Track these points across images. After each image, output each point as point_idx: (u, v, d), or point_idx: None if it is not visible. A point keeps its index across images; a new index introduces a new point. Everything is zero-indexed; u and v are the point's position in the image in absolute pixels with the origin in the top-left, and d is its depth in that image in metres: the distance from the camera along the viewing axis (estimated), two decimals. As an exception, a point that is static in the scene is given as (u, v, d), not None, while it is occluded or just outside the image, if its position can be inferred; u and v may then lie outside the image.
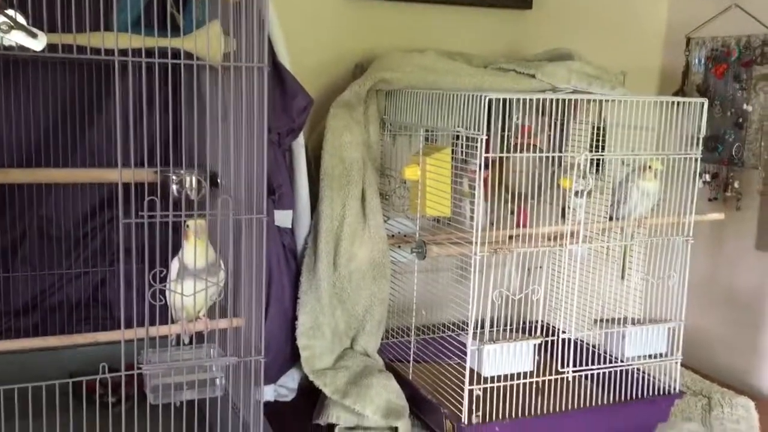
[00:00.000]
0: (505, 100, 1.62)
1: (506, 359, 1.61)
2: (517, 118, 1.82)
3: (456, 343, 1.73)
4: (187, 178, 1.50)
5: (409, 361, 1.89)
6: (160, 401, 1.28)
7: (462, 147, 1.67)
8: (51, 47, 1.19)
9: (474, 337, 1.60)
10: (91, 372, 1.77)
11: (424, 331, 2.02)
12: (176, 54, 1.32)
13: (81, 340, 1.35)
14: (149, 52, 1.27)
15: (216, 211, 1.31)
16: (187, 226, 1.34)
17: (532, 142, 1.85)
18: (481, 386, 1.59)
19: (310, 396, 1.90)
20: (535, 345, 1.64)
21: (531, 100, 1.65)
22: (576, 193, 1.78)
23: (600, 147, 1.93)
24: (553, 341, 1.68)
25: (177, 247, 1.35)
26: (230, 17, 1.35)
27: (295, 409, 1.89)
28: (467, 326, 1.61)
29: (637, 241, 1.76)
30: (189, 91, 1.48)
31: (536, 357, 1.66)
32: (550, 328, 1.76)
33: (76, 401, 1.46)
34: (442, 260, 2.05)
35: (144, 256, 1.42)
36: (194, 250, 1.31)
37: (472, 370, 1.61)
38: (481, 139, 1.55)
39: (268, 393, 1.91)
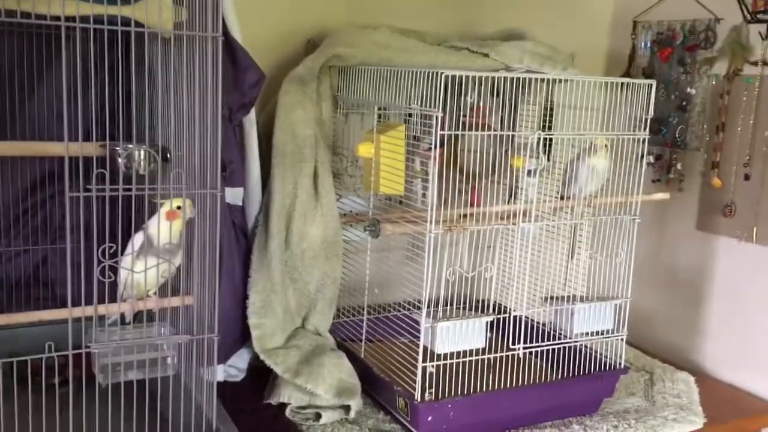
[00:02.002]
0: (458, 79, 1.62)
1: (459, 336, 1.62)
2: (471, 97, 1.83)
3: (409, 321, 1.74)
4: (136, 152, 1.45)
5: (361, 340, 1.89)
6: (109, 381, 1.24)
7: (416, 125, 1.67)
8: (-8, 11, 1.14)
9: (427, 315, 1.60)
10: (33, 353, 1.73)
11: (376, 310, 2.02)
12: (126, 23, 1.27)
13: (24, 319, 1.30)
14: (97, 20, 1.22)
15: (168, 186, 1.27)
16: (178, 207, 1.31)
17: (485, 122, 1.87)
18: (434, 363, 1.60)
19: (260, 376, 1.88)
20: (487, 322, 1.66)
21: (486, 78, 1.65)
22: (528, 173, 1.80)
23: (549, 127, 1.96)
24: (504, 319, 1.69)
25: (126, 223, 1.30)
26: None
27: (245, 390, 1.87)
28: (420, 305, 1.62)
29: (586, 220, 1.79)
30: (138, 62, 1.43)
31: (488, 334, 1.68)
32: (502, 306, 1.78)
33: (19, 383, 1.41)
34: (395, 239, 2.05)
35: (90, 232, 1.37)
36: (170, 229, 1.29)
37: (425, 348, 1.61)
38: (437, 117, 1.55)
39: (218, 373, 1.88)
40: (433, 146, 1.58)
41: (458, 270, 1.61)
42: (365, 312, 1.88)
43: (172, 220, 1.31)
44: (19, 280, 1.79)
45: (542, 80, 1.88)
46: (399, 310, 1.99)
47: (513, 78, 1.71)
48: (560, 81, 1.86)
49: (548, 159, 1.91)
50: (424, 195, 1.97)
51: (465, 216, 1.79)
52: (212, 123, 1.28)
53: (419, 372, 1.60)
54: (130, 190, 1.22)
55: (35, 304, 1.78)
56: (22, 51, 1.68)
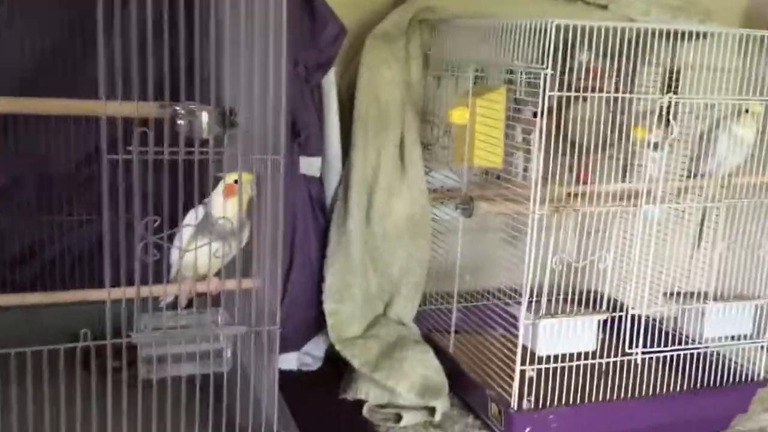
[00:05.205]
0: (567, 34, 1.36)
1: (565, 336, 1.38)
2: (584, 56, 1.58)
3: (504, 315, 1.51)
4: (198, 114, 1.28)
5: (449, 332, 1.68)
6: (154, 375, 1.08)
7: (521, 86, 1.42)
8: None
9: (528, 310, 1.36)
10: (95, 335, 1.61)
11: (466, 299, 1.80)
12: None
13: (66, 298, 1.16)
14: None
15: (222, 149, 1.09)
16: (235, 181, 1.13)
17: (601, 86, 1.60)
18: (535, 367, 1.36)
19: (338, 365, 1.70)
20: (599, 321, 1.41)
21: (604, 33, 1.37)
22: (652, 146, 1.53)
23: (675, 93, 1.66)
24: (619, 317, 1.43)
25: (175, 191, 1.12)
26: None
27: (319, 380, 1.70)
28: (516, 294, 1.40)
29: (724, 203, 1.49)
30: (203, 12, 1.25)
31: (600, 335, 1.42)
32: (616, 301, 1.52)
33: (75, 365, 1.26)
34: (490, 219, 1.81)
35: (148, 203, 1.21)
36: (225, 206, 1.13)
37: (524, 348, 1.38)
38: (545, 75, 1.29)
39: (291, 361, 1.72)
40: (539, 111, 1.33)
41: (566, 258, 1.36)
42: (455, 300, 1.65)
43: (229, 197, 1.13)
44: (83, 252, 1.67)
45: (667, 38, 1.59)
46: (493, 300, 1.76)
47: (634, 35, 1.43)
48: (689, 39, 1.56)
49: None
50: (526, 169, 1.74)
51: (573, 195, 1.53)
52: (276, 77, 1.07)
53: (517, 376, 1.36)
54: (177, 153, 1.04)
55: (99, 278, 1.66)
56: (82, 5, 1.54)
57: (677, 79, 1.69)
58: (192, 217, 1.18)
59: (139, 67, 1.17)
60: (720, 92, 1.48)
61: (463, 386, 1.58)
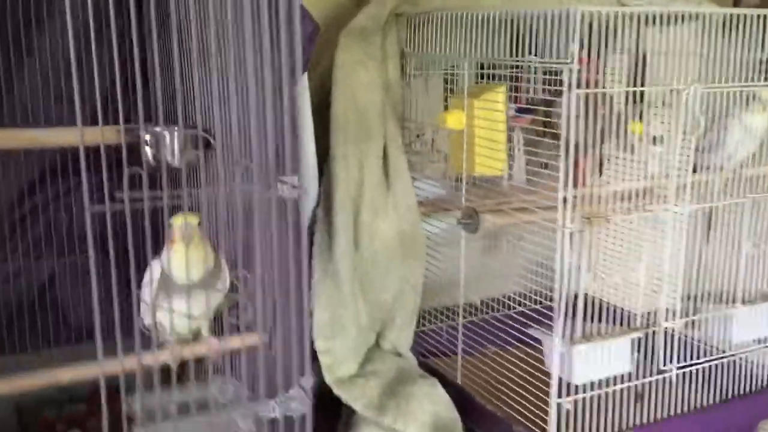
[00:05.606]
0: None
1: (601, 361, 1.24)
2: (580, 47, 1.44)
3: (505, 325, 1.38)
4: (168, 137, 1.06)
5: (448, 356, 1.52)
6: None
7: (533, 83, 1.28)
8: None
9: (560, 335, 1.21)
10: (44, 403, 1.36)
11: (463, 315, 1.64)
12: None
13: (34, 383, 0.91)
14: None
15: (226, 184, 0.88)
16: (170, 225, 0.92)
17: (594, 79, 1.48)
18: (572, 398, 1.22)
19: (325, 407, 1.49)
20: (634, 340, 1.28)
21: (638, 15, 1.23)
22: (654, 140, 1.43)
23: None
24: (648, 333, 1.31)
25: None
26: None
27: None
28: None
29: (749, 198, 1.38)
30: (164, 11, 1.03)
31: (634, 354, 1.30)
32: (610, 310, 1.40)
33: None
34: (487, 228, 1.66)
35: (116, 249, 0.97)
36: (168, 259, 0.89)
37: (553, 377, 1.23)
38: (571, 70, 1.15)
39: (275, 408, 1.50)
40: (564, 112, 1.18)
41: (601, 274, 1.22)
42: (460, 322, 1.48)
43: (171, 246, 0.91)
44: (21, 304, 1.40)
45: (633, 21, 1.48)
46: (491, 312, 1.63)
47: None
48: (657, 23, 1.45)
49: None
50: (510, 167, 1.60)
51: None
52: (289, 87, 0.88)
53: (553, 411, 1.21)
54: (177, 197, 0.82)
55: (44, 334, 1.41)
56: (4, 9, 1.27)
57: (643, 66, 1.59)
58: (149, 275, 0.96)
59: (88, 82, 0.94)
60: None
61: (478, 420, 1.41)
